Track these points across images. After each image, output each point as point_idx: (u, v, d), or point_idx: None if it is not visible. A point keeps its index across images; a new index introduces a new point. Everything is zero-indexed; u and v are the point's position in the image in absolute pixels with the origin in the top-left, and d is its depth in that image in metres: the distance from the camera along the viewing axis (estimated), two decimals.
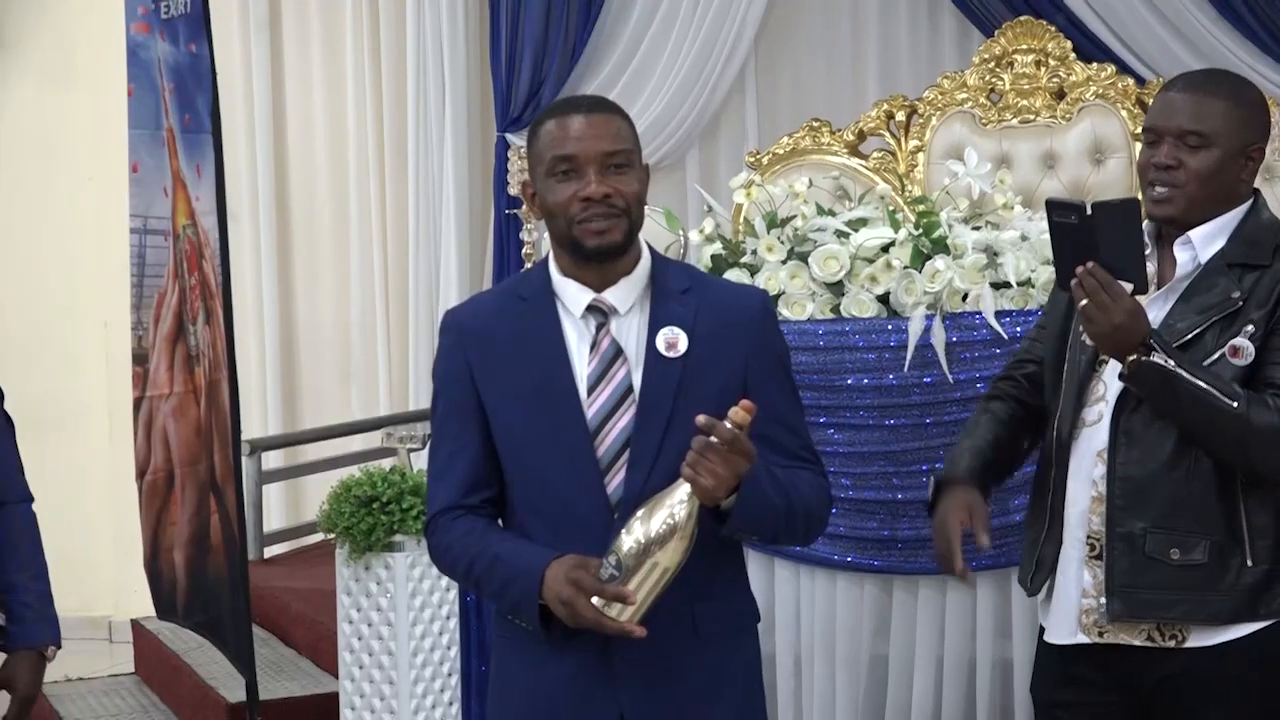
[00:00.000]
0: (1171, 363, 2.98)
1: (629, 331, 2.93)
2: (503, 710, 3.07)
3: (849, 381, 4.66)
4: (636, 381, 2.90)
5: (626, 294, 2.93)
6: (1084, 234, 2.99)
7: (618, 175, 2.87)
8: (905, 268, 4.70)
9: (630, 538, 2.73)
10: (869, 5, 6.85)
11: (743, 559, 3.16)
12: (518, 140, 6.82)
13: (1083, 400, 3.19)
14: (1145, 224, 3.17)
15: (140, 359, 5.30)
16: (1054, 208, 3.06)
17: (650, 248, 3.01)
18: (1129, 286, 2.99)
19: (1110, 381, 3.15)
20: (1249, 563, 3.07)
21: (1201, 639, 3.11)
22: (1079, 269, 2.98)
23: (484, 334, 2.96)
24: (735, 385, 2.90)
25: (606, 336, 2.91)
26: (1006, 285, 4.65)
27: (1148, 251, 3.14)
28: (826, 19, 6.94)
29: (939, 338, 4.56)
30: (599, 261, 2.90)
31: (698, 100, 6.85)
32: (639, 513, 2.75)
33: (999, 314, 4.57)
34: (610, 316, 2.93)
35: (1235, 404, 2.97)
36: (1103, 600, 3.13)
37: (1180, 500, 3.06)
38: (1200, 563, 3.06)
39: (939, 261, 4.67)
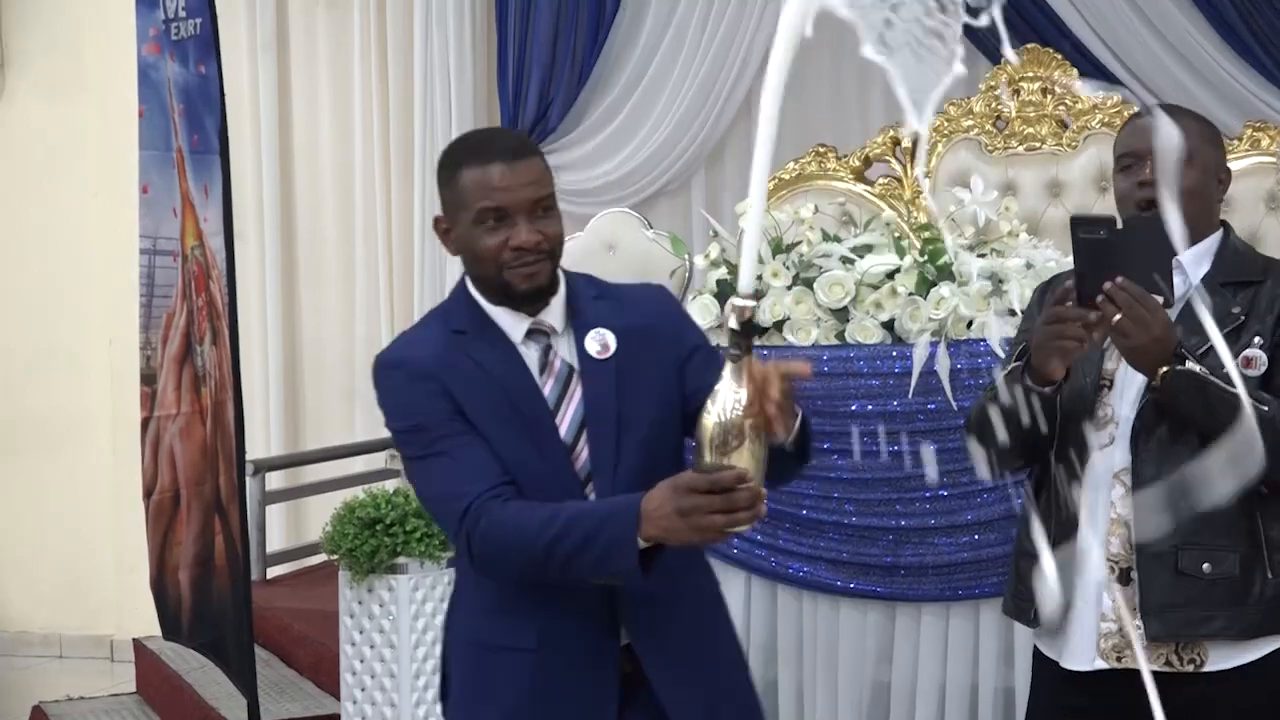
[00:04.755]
0: (1203, 370, 2.99)
1: (567, 348, 2.98)
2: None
3: (853, 407, 4.67)
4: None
5: (557, 313, 2.98)
6: (1114, 249, 2.99)
7: (544, 219, 2.90)
8: (910, 294, 4.71)
9: (711, 426, 2.58)
10: None
11: None
12: None
13: (1079, 429, 3.18)
14: None
15: (149, 379, 5.31)
16: (1080, 224, 3.04)
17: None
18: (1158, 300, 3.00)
19: (1118, 404, 3.16)
20: (1270, 574, 3.09)
21: (1220, 662, 3.11)
22: (1107, 284, 2.97)
23: (443, 364, 2.94)
24: (671, 375, 2.98)
25: (556, 357, 2.97)
26: (1011, 313, 4.66)
27: None
28: (833, 43, 6.93)
29: (943, 364, 4.57)
30: (530, 301, 2.94)
31: (704, 124, 6.87)
32: (703, 413, 2.60)
33: (1004, 341, 4.58)
34: (550, 336, 2.98)
35: (1267, 409, 2.99)
36: (1136, 621, 3.11)
37: (1206, 515, 3.06)
38: (1232, 575, 3.08)
39: (944, 288, 4.68)
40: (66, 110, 7.91)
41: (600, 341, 2.96)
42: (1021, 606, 3.33)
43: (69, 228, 7.94)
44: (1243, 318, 3.09)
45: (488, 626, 3.02)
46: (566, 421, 2.94)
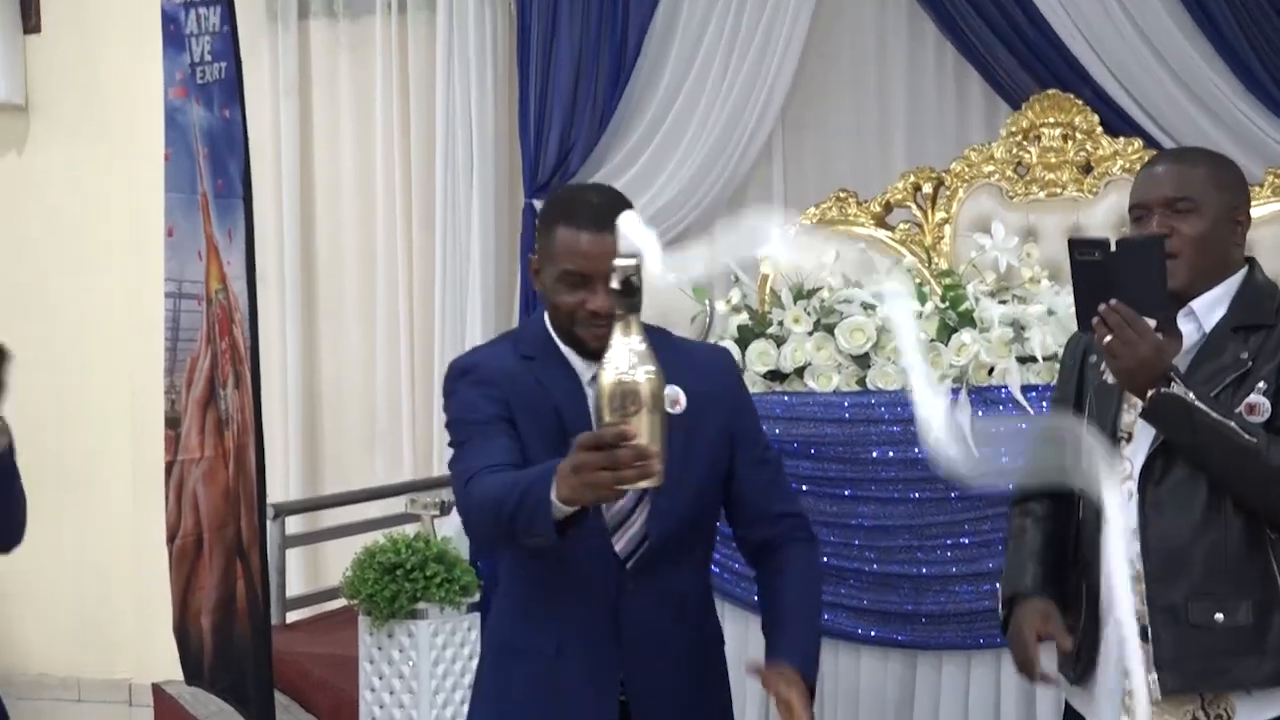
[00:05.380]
0: (1191, 395, 2.99)
1: None
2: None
3: (874, 454, 4.67)
4: None
5: None
6: (1108, 271, 3.02)
7: None
8: (931, 341, 4.71)
9: (609, 385, 2.63)
10: (896, 77, 6.87)
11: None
12: None
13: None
14: None
15: (173, 422, 5.32)
16: (1077, 245, 3.08)
17: None
18: (1152, 324, 3.01)
19: (1134, 458, 3.15)
20: None
21: (1248, 715, 3.08)
22: (1101, 306, 3.00)
23: (509, 377, 3.09)
24: (723, 441, 3.18)
25: None
26: (1033, 359, 4.66)
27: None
28: (854, 89, 6.96)
29: (964, 411, 4.57)
30: (597, 357, 2.97)
31: (724, 169, 6.87)
32: (600, 370, 2.67)
33: (1025, 388, 4.58)
34: None
35: (1255, 440, 2.98)
36: (1151, 677, 3.09)
37: (1215, 564, 3.05)
38: (1246, 624, 3.05)
39: (965, 335, 4.68)
40: (91, 154, 7.94)
41: (672, 398, 3.03)
42: (1061, 664, 3.32)
43: (92, 271, 7.96)
44: (1250, 363, 3.08)
45: (513, 630, 3.22)
46: None
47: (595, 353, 3.02)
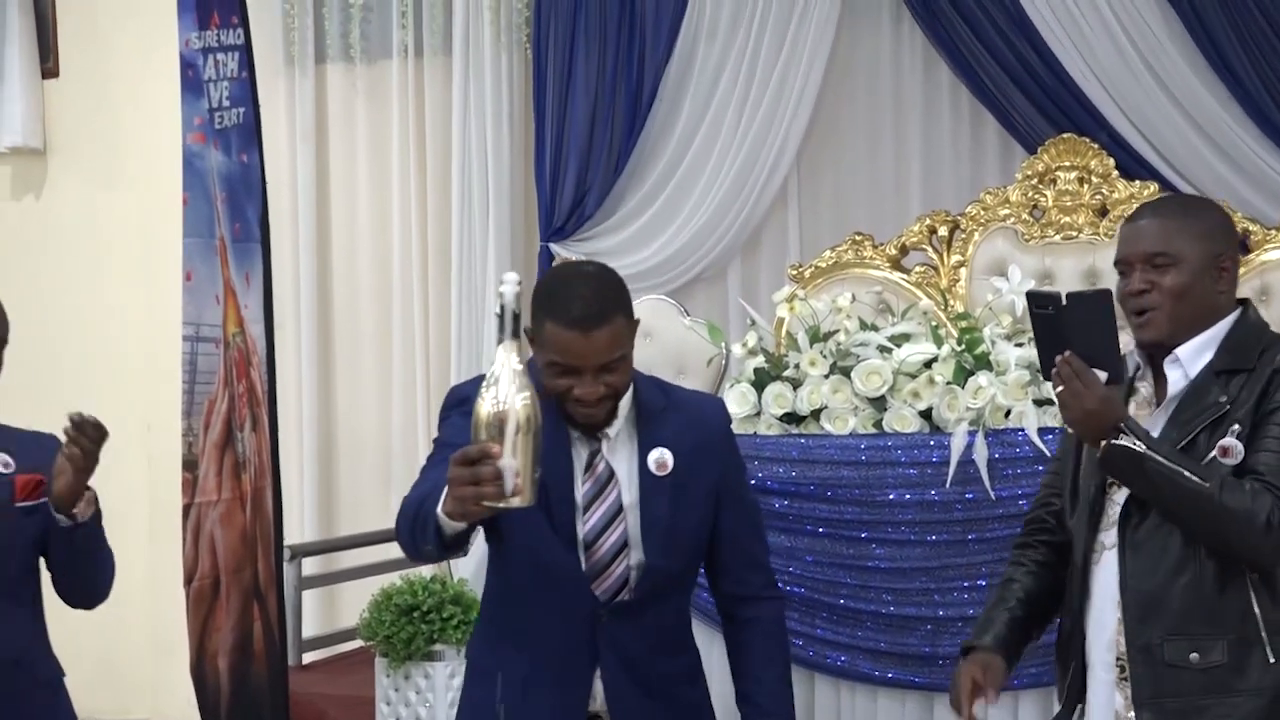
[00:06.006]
0: (1141, 445, 3.03)
1: (620, 453, 3.24)
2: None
3: (891, 496, 4.67)
4: (627, 500, 3.21)
5: (617, 422, 3.23)
6: (1060, 324, 3.10)
7: (611, 373, 3.12)
8: (948, 383, 4.72)
9: (485, 414, 2.73)
10: (912, 120, 6.89)
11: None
12: (562, 251, 6.87)
13: (1097, 525, 3.20)
14: (1133, 350, 3.25)
15: (190, 465, 5.33)
16: (1032, 299, 3.17)
17: (633, 371, 3.23)
18: (1104, 375, 3.07)
19: (1122, 501, 3.17)
20: (1271, 659, 3.06)
21: None
22: (1058, 358, 3.06)
23: None
24: (711, 496, 3.30)
25: (601, 461, 3.21)
26: (1049, 402, 4.66)
27: (1139, 374, 3.23)
28: (869, 133, 6.98)
29: (981, 454, 4.57)
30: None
31: (740, 212, 6.88)
32: (478, 399, 2.76)
33: (1042, 431, 4.58)
34: (603, 441, 3.22)
35: (1207, 484, 3.01)
36: (1130, 716, 3.11)
37: (1190, 604, 3.08)
38: (1221, 663, 3.06)
39: (982, 377, 4.69)
40: (108, 198, 7.98)
41: (659, 461, 3.21)
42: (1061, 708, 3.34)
43: (108, 315, 7.99)
44: (1227, 406, 3.10)
45: (489, 652, 3.33)
46: (592, 522, 3.20)
47: (584, 428, 3.18)
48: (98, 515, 3.66)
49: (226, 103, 5.18)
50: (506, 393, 2.71)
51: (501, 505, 2.73)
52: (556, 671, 3.24)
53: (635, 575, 3.21)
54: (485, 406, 2.72)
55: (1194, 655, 3.07)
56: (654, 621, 3.26)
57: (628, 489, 3.22)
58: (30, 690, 3.71)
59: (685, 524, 3.24)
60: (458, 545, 2.98)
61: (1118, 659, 3.15)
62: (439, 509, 2.85)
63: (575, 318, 3.07)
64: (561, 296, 3.13)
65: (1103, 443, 3.06)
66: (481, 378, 3.09)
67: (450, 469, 2.75)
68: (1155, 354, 3.22)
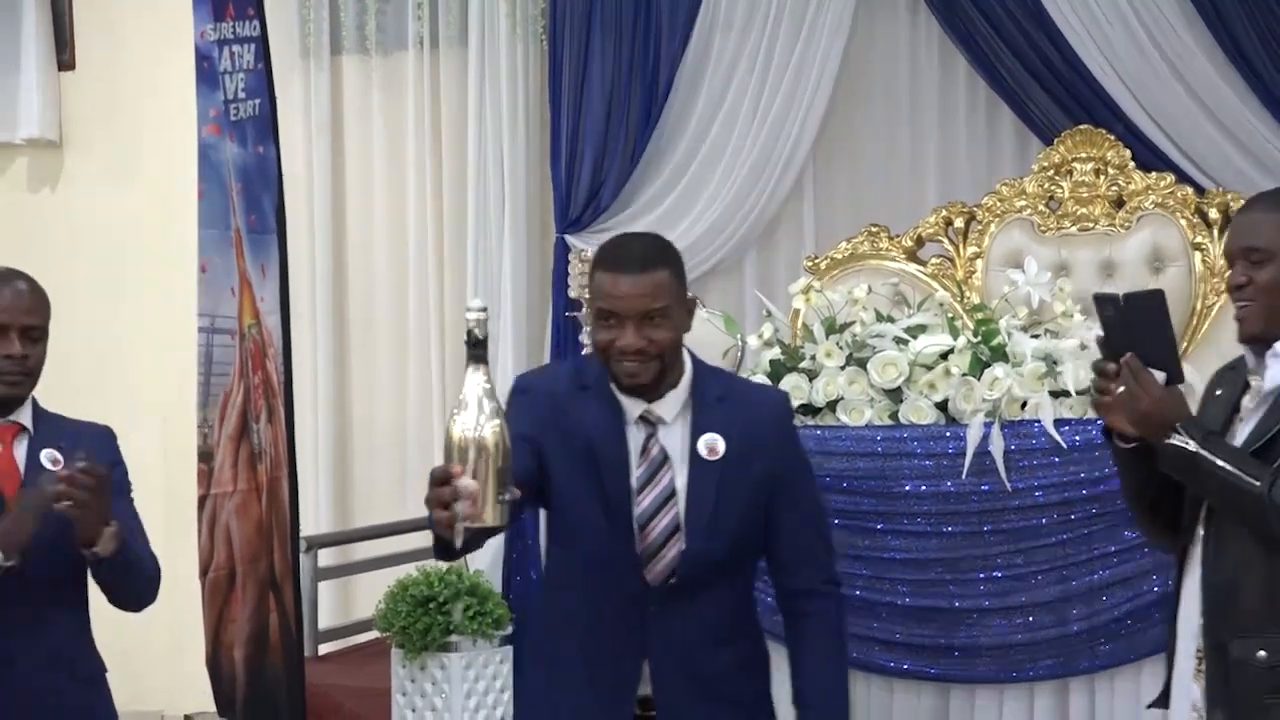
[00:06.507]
0: (1192, 445, 3.04)
1: (674, 438, 3.31)
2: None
3: (907, 488, 4.67)
4: (679, 484, 3.28)
5: (672, 406, 3.31)
6: (1122, 326, 3.12)
7: (653, 327, 3.22)
8: (964, 375, 4.72)
9: (456, 437, 2.82)
10: (928, 111, 6.87)
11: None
12: (578, 242, 6.86)
13: (1197, 514, 3.19)
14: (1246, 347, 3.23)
15: (205, 456, 5.33)
16: (1099, 301, 3.18)
17: (693, 359, 3.38)
18: (1163, 376, 3.08)
19: None
20: None
21: None
22: (1123, 359, 3.08)
23: (555, 404, 3.28)
24: (763, 487, 3.32)
25: (656, 444, 3.29)
26: (1065, 394, 4.66)
27: (1251, 368, 3.20)
28: (885, 124, 6.96)
29: (997, 445, 4.57)
30: (634, 395, 3.28)
31: (756, 204, 6.87)
32: (450, 419, 2.85)
33: (1058, 422, 4.58)
34: (658, 426, 3.30)
35: (1258, 484, 3.00)
36: (1202, 714, 3.12)
37: (1260, 601, 3.06)
38: None
39: (998, 369, 4.68)
40: (125, 191, 7.99)
41: (709, 446, 3.28)
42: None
43: (124, 307, 8.00)
44: None
45: (544, 639, 3.43)
46: (646, 503, 3.27)
47: (628, 390, 3.24)
48: (124, 546, 3.63)
49: (243, 94, 5.18)
50: (474, 419, 2.80)
51: (463, 525, 2.81)
52: (606, 658, 3.30)
53: (682, 560, 3.25)
54: (455, 430, 2.81)
55: (1261, 653, 3.05)
56: (705, 611, 3.29)
57: (680, 474, 3.29)
58: (73, 686, 3.72)
59: (730, 510, 3.27)
60: (466, 548, 3.01)
61: (1198, 651, 3.14)
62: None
63: (621, 260, 3.25)
64: (613, 246, 3.35)
65: (1158, 442, 3.07)
66: (545, 368, 3.13)
67: (429, 489, 2.84)
68: (1257, 350, 3.20)
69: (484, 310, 2.86)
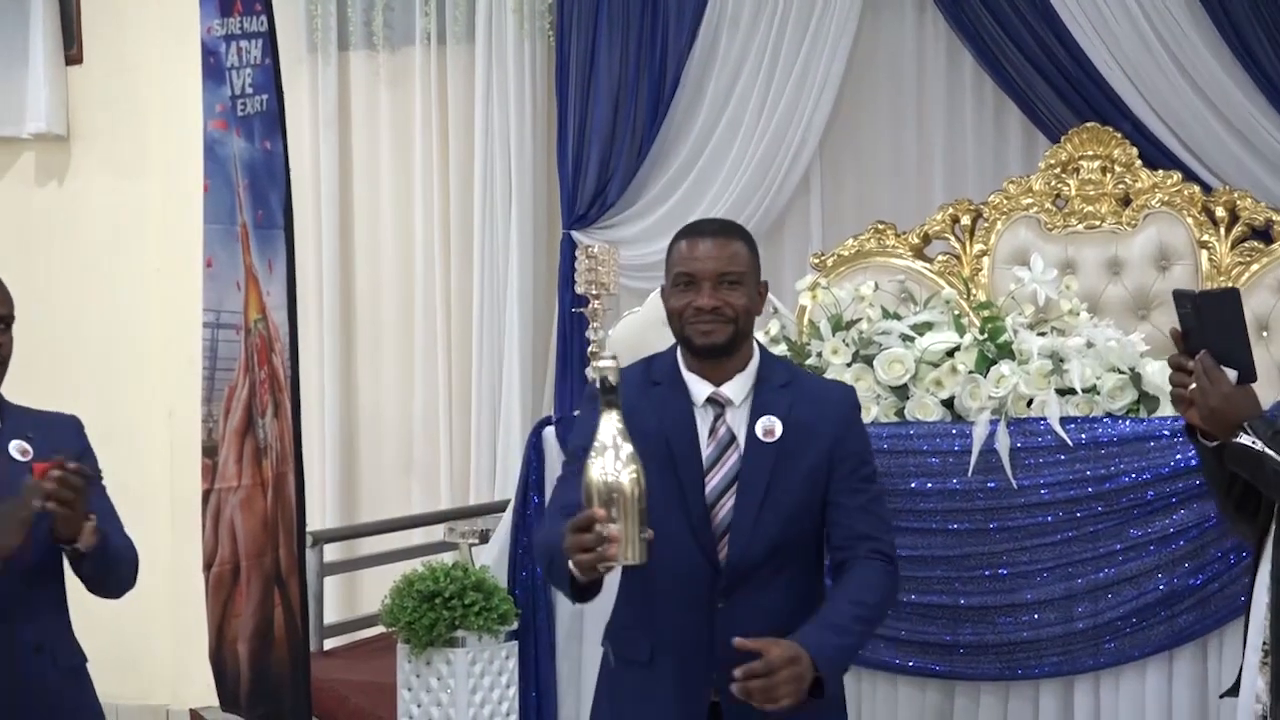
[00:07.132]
0: (1259, 444, 3.07)
1: (739, 420, 3.42)
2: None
3: (913, 485, 4.66)
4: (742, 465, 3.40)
5: (739, 389, 3.43)
6: (1197, 323, 3.16)
7: (729, 290, 3.37)
8: (970, 372, 4.71)
9: (595, 481, 3.02)
10: (934, 109, 6.88)
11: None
12: (584, 238, 6.86)
13: (1273, 507, 3.21)
14: None
15: (210, 451, 5.33)
16: (1176, 298, 3.22)
17: (762, 349, 3.50)
18: (1235, 373, 3.11)
19: None
20: None
21: None
22: (1198, 356, 3.13)
23: (628, 402, 3.22)
24: (821, 467, 3.40)
25: (723, 425, 3.42)
26: (1072, 391, 4.65)
27: None
28: (892, 121, 6.97)
29: (1003, 443, 4.56)
30: (707, 358, 3.40)
31: (763, 201, 6.88)
32: (588, 462, 3.05)
33: (1064, 420, 4.57)
34: (725, 407, 3.42)
35: None
36: (1266, 704, 3.14)
37: None
38: None
39: (1004, 367, 4.68)
40: (131, 184, 7.99)
41: (766, 428, 3.38)
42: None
43: (131, 301, 8.00)
44: None
45: (617, 637, 3.53)
46: (715, 481, 3.37)
47: (703, 351, 3.39)
48: (104, 538, 3.65)
49: (250, 90, 5.17)
50: (612, 463, 3.00)
51: (610, 565, 3.03)
52: (674, 657, 3.37)
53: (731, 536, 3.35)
54: (594, 473, 3.01)
55: None
56: (768, 603, 3.34)
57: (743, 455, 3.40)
58: (53, 676, 3.72)
59: (782, 494, 3.35)
60: (593, 591, 3.23)
61: (1264, 643, 3.17)
62: (570, 564, 3.08)
63: (700, 228, 3.46)
64: (692, 224, 3.52)
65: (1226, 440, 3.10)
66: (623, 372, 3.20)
67: (566, 536, 3.04)
68: None
69: (614, 359, 3.06)
